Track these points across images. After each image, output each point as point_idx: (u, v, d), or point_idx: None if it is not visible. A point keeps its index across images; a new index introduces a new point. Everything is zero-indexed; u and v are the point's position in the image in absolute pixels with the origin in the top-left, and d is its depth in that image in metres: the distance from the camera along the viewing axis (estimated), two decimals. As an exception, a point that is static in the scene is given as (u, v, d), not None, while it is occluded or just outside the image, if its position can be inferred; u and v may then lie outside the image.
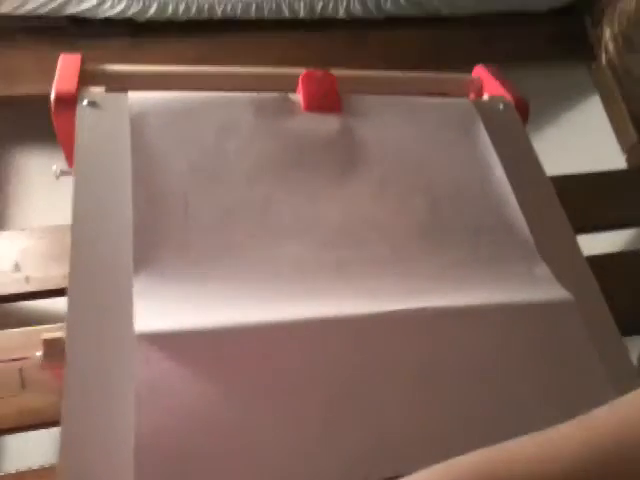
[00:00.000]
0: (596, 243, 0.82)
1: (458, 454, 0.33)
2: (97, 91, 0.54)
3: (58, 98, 0.52)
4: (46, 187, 0.70)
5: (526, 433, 0.43)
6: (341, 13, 1.21)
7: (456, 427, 0.42)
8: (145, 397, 0.38)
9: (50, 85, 0.54)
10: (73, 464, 0.36)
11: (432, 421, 0.42)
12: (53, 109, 0.53)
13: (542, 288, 0.51)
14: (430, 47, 1.21)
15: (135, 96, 0.55)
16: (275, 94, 0.59)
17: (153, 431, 0.37)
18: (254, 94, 0.59)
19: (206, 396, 0.39)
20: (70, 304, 0.42)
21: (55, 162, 0.57)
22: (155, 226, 0.47)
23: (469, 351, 0.45)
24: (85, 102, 0.53)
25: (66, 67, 0.55)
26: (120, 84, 0.58)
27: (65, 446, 0.36)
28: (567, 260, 0.55)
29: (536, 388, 0.46)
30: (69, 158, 0.56)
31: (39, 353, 0.40)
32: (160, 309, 0.41)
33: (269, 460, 0.38)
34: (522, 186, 0.59)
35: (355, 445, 0.39)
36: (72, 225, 0.45)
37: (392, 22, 1.24)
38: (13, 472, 0.58)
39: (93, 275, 0.43)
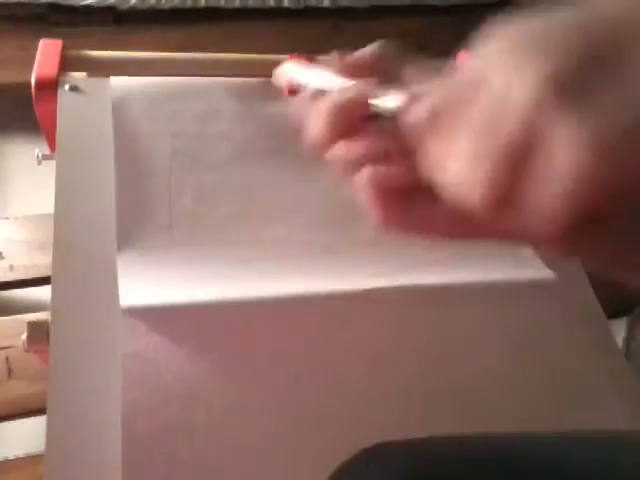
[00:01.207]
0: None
1: (440, 431, 0.34)
2: (79, 76, 0.54)
3: (39, 83, 0.52)
4: (30, 175, 0.69)
5: (509, 410, 0.43)
6: (326, 2, 1.21)
7: (438, 404, 0.43)
8: (131, 370, 0.38)
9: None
10: (60, 445, 0.36)
11: (417, 398, 0.42)
12: (34, 94, 0.52)
13: (526, 268, 0.51)
14: (415, 35, 1.21)
15: (117, 81, 0.55)
16: (258, 79, 0.59)
17: (140, 404, 0.37)
18: (237, 79, 0.59)
19: (192, 369, 0.39)
20: (54, 285, 0.42)
21: (39, 149, 0.56)
22: (138, 207, 0.47)
23: (451, 329, 0.46)
24: (67, 87, 0.52)
25: (47, 52, 0.54)
26: (102, 70, 0.57)
27: (52, 428, 0.36)
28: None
29: (518, 366, 0.46)
30: (51, 143, 0.55)
31: (24, 336, 0.40)
32: (144, 285, 0.41)
33: (253, 433, 0.38)
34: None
35: (339, 424, 0.40)
36: (55, 208, 0.45)
37: (377, 10, 1.24)
38: (0, 460, 0.58)
39: (77, 256, 0.43)
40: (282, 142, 0.55)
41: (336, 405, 0.41)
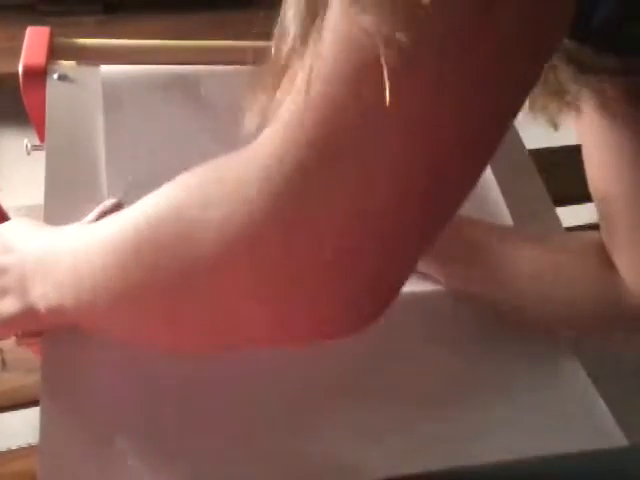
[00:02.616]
0: (575, 215, 0.83)
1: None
2: (68, 64, 0.53)
3: (26, 72, 0.51)
4: (20, 166, 0.69)
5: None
6: (319, -11, 1.19)
7: (431, 403, 0.42)
8: (122, 363, 0.38)
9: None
10: (54, 437, 0.36)
11: (405, 403, 0.42)
12: (22, 83, 0.52)
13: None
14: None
15: (107, 70, 0.54)
16: (251, 67, 0.59)
17: (132, 397, 0.38)
18: (229, 67, 0.58)
19: (182, 366, 0.39)
20: None
21: (29, 140, 0.56)
22: (129, 198, 0.46)
23: (442, 328, 0.46)
24: (55, 76, 0.52)
25: (34, 40, 0.53)
26: (91, 59, 0.56)
27: (45, 420, 0.36)
28: (545, 231, 0.56)
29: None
30: (40, 133, 0.55)
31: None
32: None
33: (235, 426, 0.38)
34: (499, 157, 0.59)
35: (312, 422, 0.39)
36: (45, 199, 0.45)
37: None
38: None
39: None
40: None
41: (309, 403, 0.40)
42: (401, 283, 0.25)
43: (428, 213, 0.24)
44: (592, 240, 0.42)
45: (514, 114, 0.24)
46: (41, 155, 0.50)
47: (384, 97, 0.20)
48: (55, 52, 0.54)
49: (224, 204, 0.25)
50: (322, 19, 0.22)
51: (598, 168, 0.40)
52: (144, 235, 0.29)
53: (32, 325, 0.39)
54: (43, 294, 0.36)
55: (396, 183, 0.22)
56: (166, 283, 0.28)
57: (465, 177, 0.25)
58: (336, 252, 0.23)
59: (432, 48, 0.20)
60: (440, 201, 0.24)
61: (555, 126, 0.36)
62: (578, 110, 0.35)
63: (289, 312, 0.25)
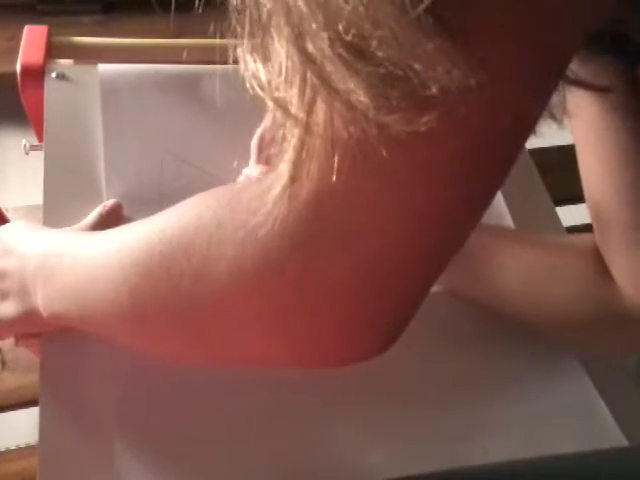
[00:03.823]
0: (575, 215, 0.83)
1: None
2: (66, 63, 0.53)
3: (24, 70, 0.51)
4: (19, 166, 0.69)
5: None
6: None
7: (433, 400, 0.42)
8: (123, 361, 0.38)
9: (20, 62, 0.52)
10: (54, 436, 0.36)
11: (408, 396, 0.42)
12: (20, 82, 0.52)
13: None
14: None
15: (106, 69, 0.54)
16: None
17: (133, 394, 0.37)
18: (229, 66, 0.58)
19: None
20: None
21: (27, 140, 0.55)
22: (128, 199, 0.46)
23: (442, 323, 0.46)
24: (54, 74, 0.52)
25: (32, 39, 0.53)
26: (89, 57, 0.56)
27: (45, 419, 0.36)
28: (546, 231, 0.56)
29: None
30: (39, 133, 0.55)
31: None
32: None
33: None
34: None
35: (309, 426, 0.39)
36: (44, 199, 0.45)
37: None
38: (-7, 453, 0.58)
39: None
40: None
41: (305, 404, 0.40)
42: (407, 320, 0.26)
43: (428, 263, 0.25)
44: (587, 244, 0.42)
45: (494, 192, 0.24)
46: (40, 155, 0.50)
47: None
48: (53, 51, 0.54)
49: (238, 237, 0.25)
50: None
51: (592, 169, 0.40)
52: (155, 260, 0.28)
53: (33, 328, 0.39)
54: (44, 298, 0.36)
55: (405, 237, 0.23)
56: (176, 308, 0.28)
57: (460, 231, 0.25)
58: (350, 289, 0.23)
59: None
60: (441, 252, 0.25)
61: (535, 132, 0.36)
62: (559, 121, 0.35)
63: (298, 344, 0.26)
